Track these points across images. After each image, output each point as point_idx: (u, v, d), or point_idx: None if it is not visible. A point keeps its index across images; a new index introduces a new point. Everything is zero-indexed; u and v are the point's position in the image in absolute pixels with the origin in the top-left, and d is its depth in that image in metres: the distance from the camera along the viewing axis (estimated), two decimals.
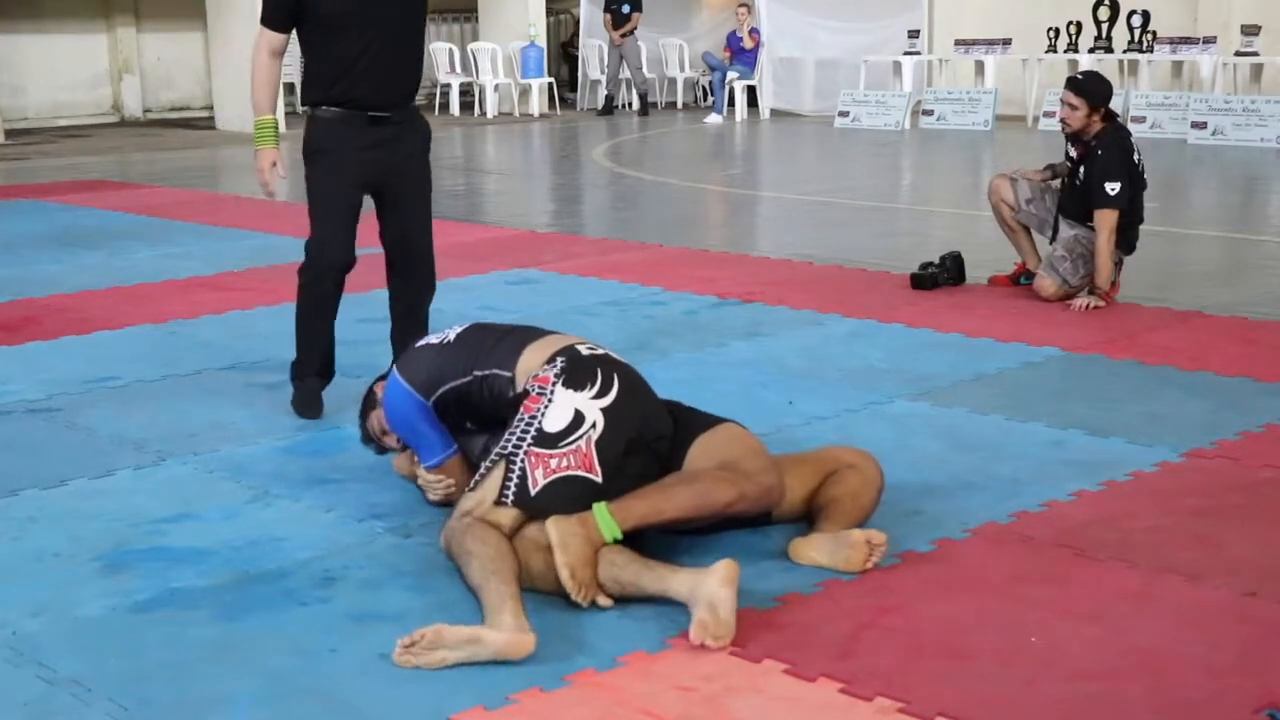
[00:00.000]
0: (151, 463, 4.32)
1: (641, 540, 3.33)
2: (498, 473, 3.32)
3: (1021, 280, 6.74)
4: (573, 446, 3.33)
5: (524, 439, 3.34)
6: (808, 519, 3.60)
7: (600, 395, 3.40)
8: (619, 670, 2.91)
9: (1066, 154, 6.48)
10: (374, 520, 3.78)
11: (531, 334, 3.66)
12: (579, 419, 3.35)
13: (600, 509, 3.25)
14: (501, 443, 3.39)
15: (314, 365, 4.81)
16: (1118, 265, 6.37)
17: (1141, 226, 6.45)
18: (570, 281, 7.16)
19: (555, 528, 3.18)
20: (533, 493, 3.28)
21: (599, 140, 15.51)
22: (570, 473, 3.31)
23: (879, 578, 3.36)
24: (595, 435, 3.35)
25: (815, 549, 3.43)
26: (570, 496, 3.29)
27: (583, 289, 6.95)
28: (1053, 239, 6.55)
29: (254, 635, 3.09)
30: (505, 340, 3.63)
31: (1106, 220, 6.17)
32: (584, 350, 3.54)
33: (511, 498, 3.29)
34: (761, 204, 10.98)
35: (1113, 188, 6.15)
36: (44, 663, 2.97)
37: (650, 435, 3.50)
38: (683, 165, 13.48)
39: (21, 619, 3.19)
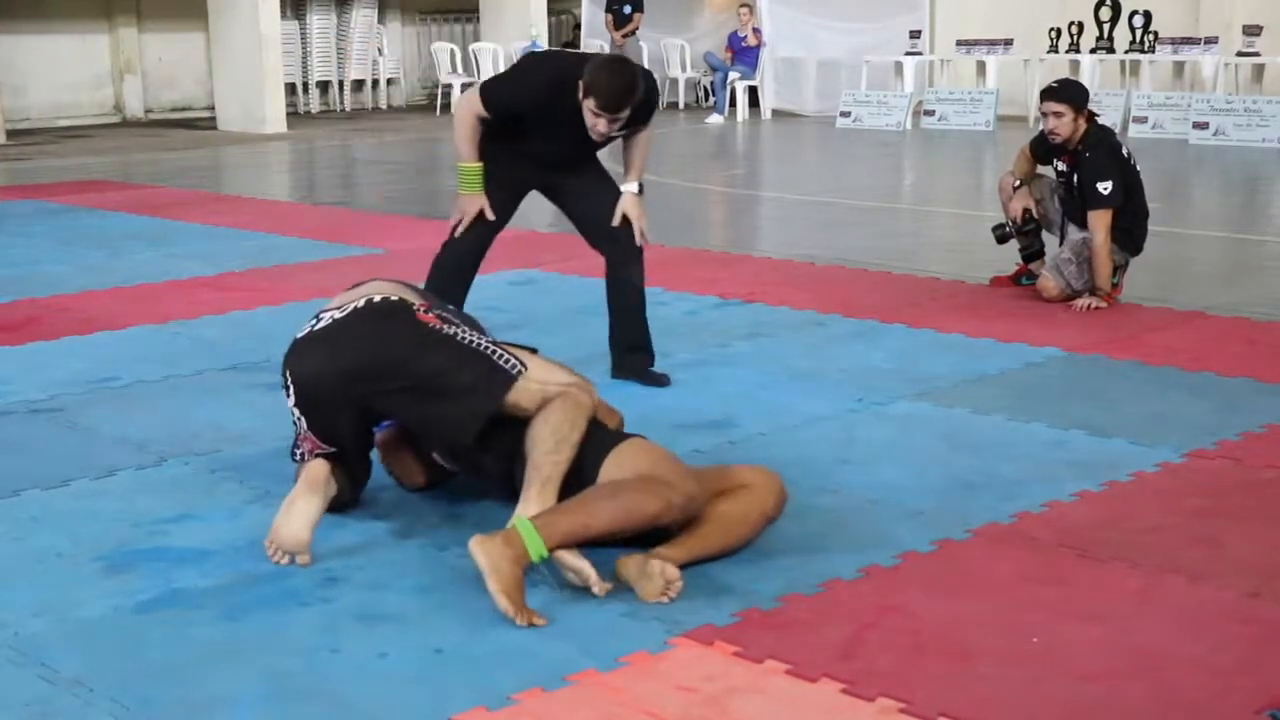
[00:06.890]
0: (153, 463, 4.32)
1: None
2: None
3: (1023, 281, 6.74)
4: None
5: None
6: None
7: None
8: (621, 670, 2.91)
9: (1055, 169, 6.46)
10: (375, 520, 3.78)
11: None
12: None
13: (526, 527, 3.18)
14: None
15: None
16: (1122, 267, 6.36)
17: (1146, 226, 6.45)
18: (572, 282, 7.15)
19: (482, 550, 3.12)
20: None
21: None
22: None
23: (881, 578, 3.36)
24: None
25: (627, 568, 3.24)
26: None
27: (585, 289, 6.93)
28: (1061, 240, 6.55)
29: (256, 635, 3.09)
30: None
31: (1101, 220, 6.16)
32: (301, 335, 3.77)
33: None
34: (763, 204, 10.97)
35: (1105, 187, 6.14)
36: (46, 663, 2.98)
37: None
38: (684, 165, 13.47)
39: (23, 619, 3.19)
